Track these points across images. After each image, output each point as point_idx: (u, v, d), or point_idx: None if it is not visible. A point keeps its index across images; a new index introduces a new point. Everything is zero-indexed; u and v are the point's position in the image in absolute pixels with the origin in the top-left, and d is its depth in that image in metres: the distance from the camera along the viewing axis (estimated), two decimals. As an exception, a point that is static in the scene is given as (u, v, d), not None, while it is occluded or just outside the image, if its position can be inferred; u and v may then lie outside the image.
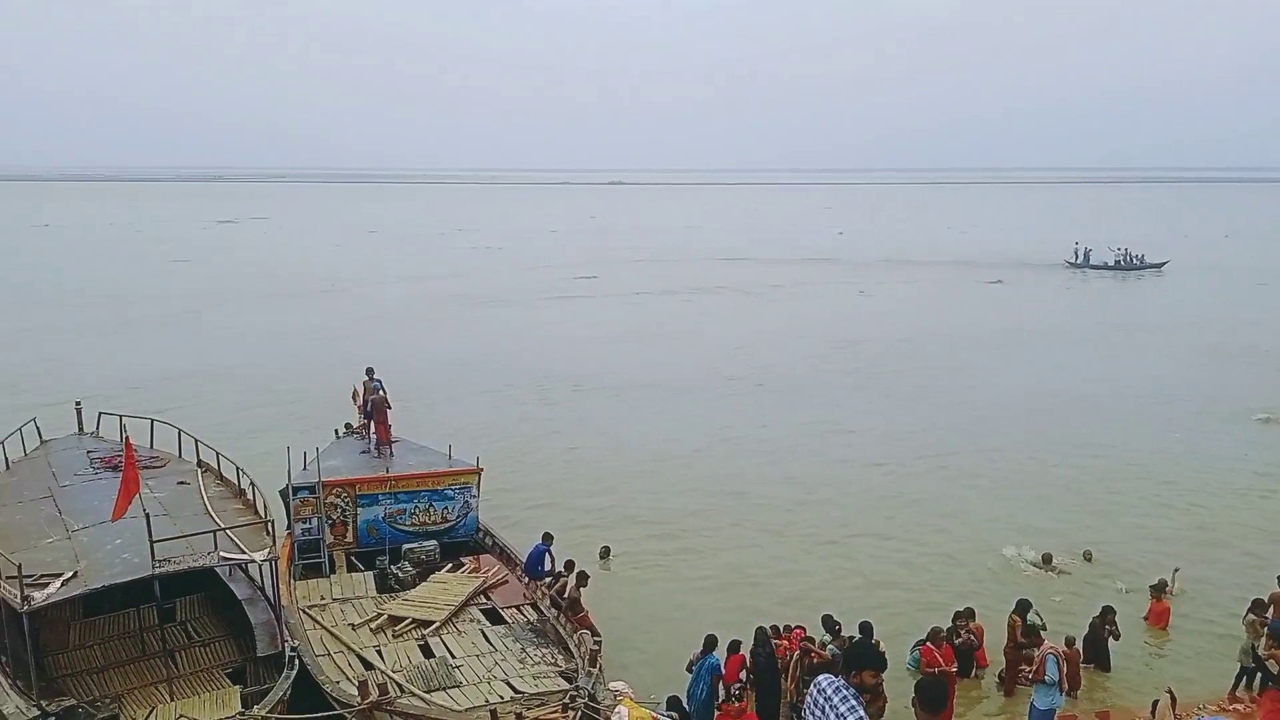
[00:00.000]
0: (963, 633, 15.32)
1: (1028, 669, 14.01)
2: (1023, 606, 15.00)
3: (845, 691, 5.45)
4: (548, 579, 16.54)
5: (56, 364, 37.38)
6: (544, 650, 14.85)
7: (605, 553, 19.59)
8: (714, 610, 17.18)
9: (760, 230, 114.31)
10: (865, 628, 14.26)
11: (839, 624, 14.71)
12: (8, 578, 13.06)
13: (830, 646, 14.18)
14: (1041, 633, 14.44)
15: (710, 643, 13.99)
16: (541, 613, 16.06)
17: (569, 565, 16.49)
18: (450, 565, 17.83)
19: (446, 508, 18.75)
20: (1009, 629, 14.87)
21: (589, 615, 15.36)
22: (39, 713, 12.49)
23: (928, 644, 14.37)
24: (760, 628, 14.27)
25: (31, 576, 13.06)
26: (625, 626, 16.65)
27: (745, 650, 14.24)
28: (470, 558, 18.18)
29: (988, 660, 15.52)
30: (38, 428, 19.81)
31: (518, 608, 16.37)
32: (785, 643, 14.54)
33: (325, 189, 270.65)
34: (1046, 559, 19.31)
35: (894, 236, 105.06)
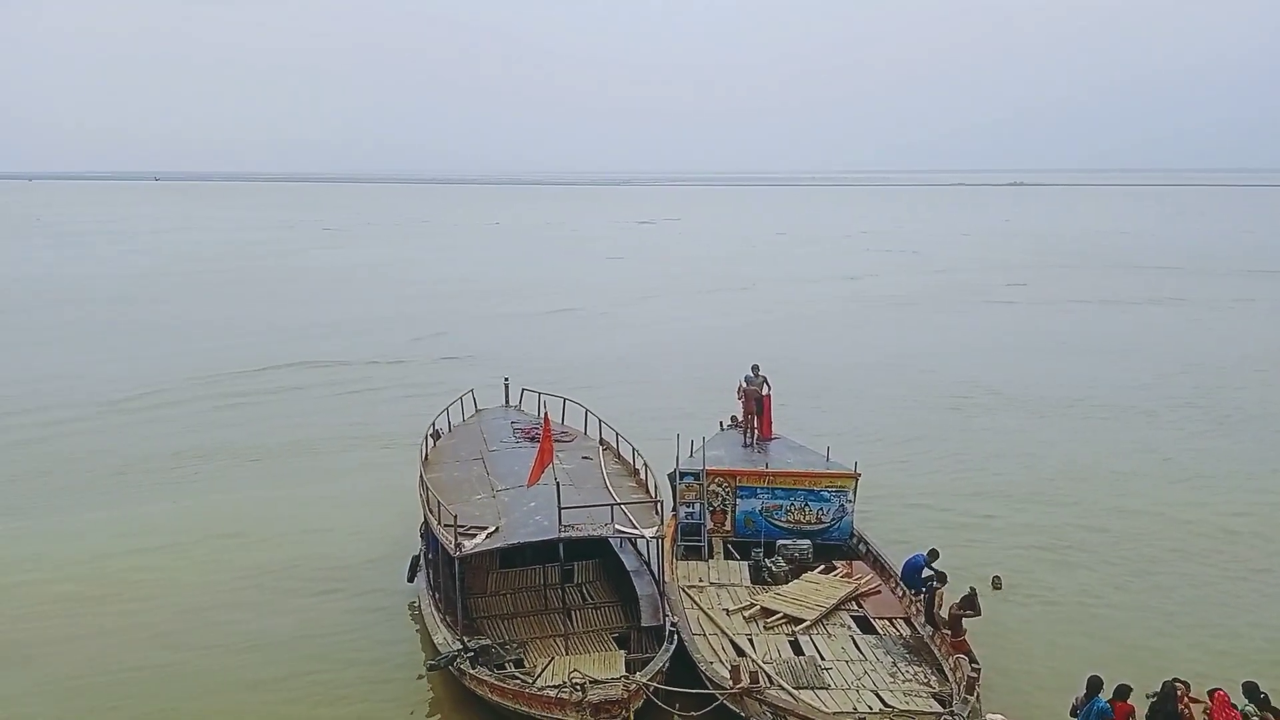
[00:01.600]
0: None
1: None
2: None
3: None
4: (922, 591, 15.84)
5: (503, 344, 41.92)
6: (916, 668, 14.22)
7: (997, 583, 18.06)
8: (1109, 648, 15.49)
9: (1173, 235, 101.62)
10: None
11: (1265, 694, 12.57)
12: (444, 525, 14.87)
13: (1254, 720, 12.16)
14: None
15: (1094, 685, 12.53)
16: (915, 629, 15.41)
17: (941, 577, 15.68)
18: (823, 566, 17.66)
19: (822, 509, 18.61)
20: None
21: (967, 640, 14.44)
22: (461, 646, 14.09)
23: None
24: (1168, 682, 12.57)
25: (463, 527, 14.78)
26: (1006, 654, 15.43)
27: (1134, 699, 12.62)
28: (843, 562, 17.88)
29: None
30: (474, 398, 22.43)
31: (890, 620, 15.84)
32: (1196, 704, 12.70)
33: (730, 192, 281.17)
34: None
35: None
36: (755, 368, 21.66)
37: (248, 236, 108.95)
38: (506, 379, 23.46)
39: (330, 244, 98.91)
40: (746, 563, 17.98)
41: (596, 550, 17.47)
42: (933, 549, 16.60)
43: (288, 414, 30.92)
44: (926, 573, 16.16)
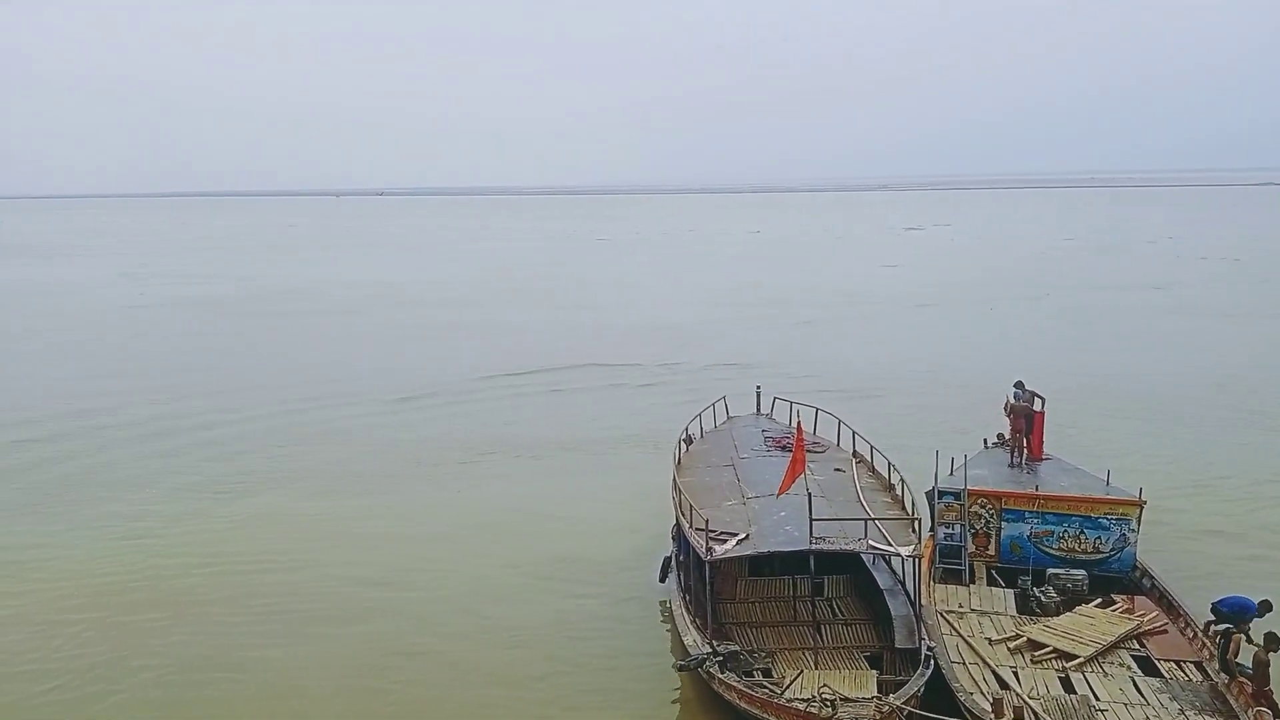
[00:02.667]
0: None
1: None
2: None
3: None
4: (1216, 634, 13.97)
5: (760, 348, 41.98)
6: (1208, 718, 12.58)
7: None
8: None
9: None
10: None
11: None
12: (696, 529, 14.93)
13: None
14: None
15: None
16: (1209, 675, 13.66)
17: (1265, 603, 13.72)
18: (1099, 600, 16.06)
19: (1100, 538, 16.95)
20: None
21: (1272, 691, 12.58)
22: (710, 650, 14.05)
23: None
24: None
25: (714, 532, 14.75)
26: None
27: None
28: (1123, 596, 16.20)
29: None
30: (726, 405, 22.43)
31: (1178, 663, 14.14)
32: None
33: (998, 195, 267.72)
34: None
35: None
36: (1019, 383, 20.18)
37: (537, 245, 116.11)
38: (759, 387, 23.33)
39: (607, 253, 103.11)
40: (1012, 590, 16.70)
41: (848, 566, 16.92)
42: (1265, 600, 14.43)
43: (569, 412, 32.44)
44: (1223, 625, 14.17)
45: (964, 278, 69.26)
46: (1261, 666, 12.69)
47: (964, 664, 14.10)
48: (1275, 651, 12.83)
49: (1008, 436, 20.29)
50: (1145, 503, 16.91)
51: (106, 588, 18.61)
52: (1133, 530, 16.83)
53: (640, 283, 71.69)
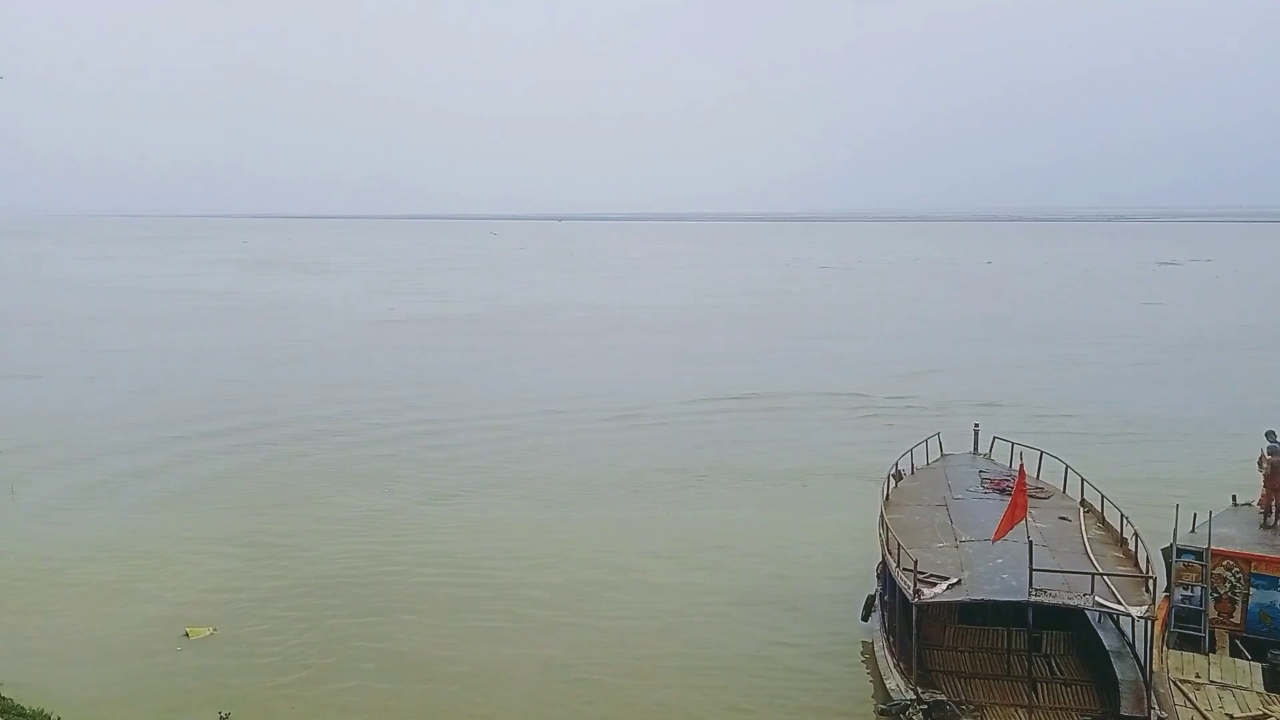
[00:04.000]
0: None
1: None
2: None
3: None
4: None
5: (997, 387, 40.12)
6: None
7: None
8: None
9: None
10: None
11: None
12: (904, 569, 14.23)
13: None
14: None
15: None
16: None
17: None
18: (1371, 687, 13.96)
19: (1372, 615, 14.76)
20: None
21: None
22: (915, 697, 13.33)
23: None
24: None
25: (923, 574, 14.03)
26: None
27: None
28: (1402, 685, 13.98)
29: None
30: (940, 442, 21.34)
31: None
32: None
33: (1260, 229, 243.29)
34: None
35: None
36: (1271, 434, 17.91)
37: (762, 272, 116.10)
38: (977, 425, 21.99)
39: (831, 282, 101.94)
40: (1260, 665, 14.78)
41: (1070, 621, 15.59)
42: None
43: (784, 439, 32.08)
44: None
45: (1244, 319, 62.88)
46: None
47: None
48: None
49: (1259, 497, 18.06)
50: None
51: (336, 574, 20.09)
52: None
53: (874, 313, 70.30)
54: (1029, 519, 14.89)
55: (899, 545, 14.93)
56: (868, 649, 16.51)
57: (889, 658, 15.02)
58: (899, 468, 19.96)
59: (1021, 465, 16.62)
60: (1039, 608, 13.71)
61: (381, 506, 24.51)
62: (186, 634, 17.17)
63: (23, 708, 13.86)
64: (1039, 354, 49.39)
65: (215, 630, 17.33)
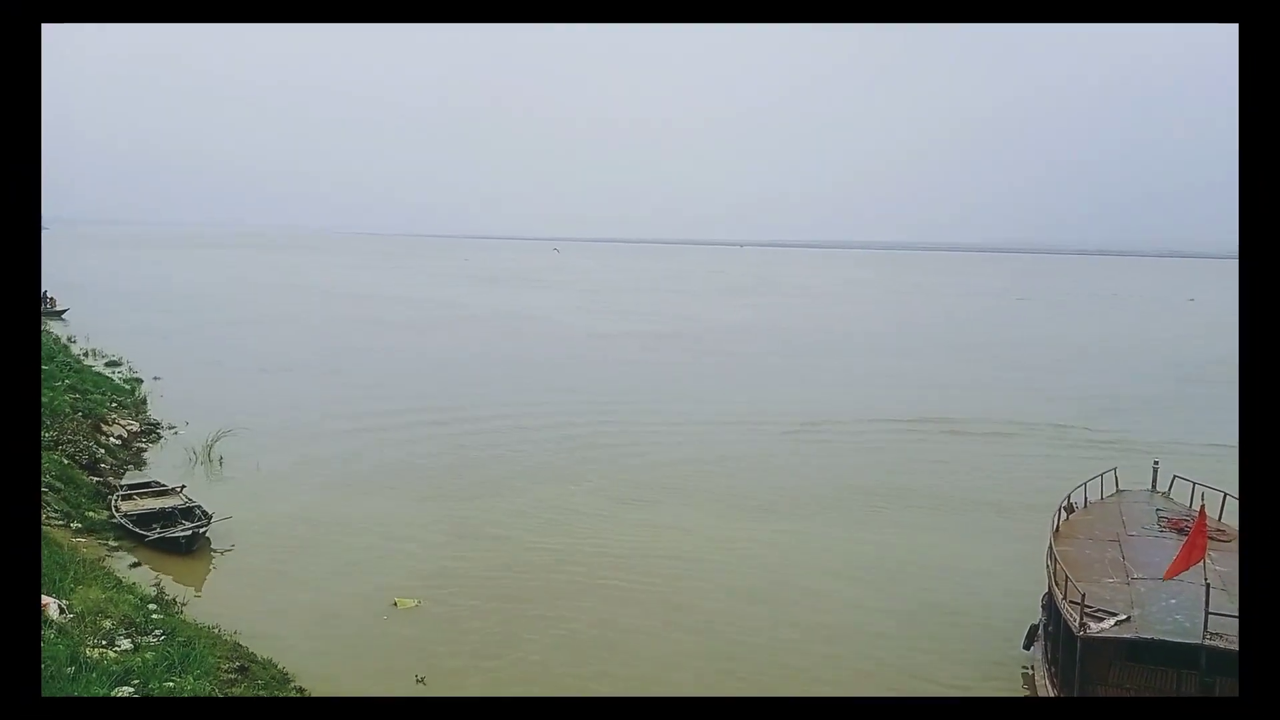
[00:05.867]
0: None
1: None
2: None
3: None
4: None
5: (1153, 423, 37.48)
6: None
7: None
8: None
9: None
10: None
11: None
12: (1070, 602, 13.62)
13: None
14: None
15: None
16: None
17: None
18: None
19: None
20: None
21: None
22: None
23: None
24: None
25: (1090, 608, 13.37)
26: None
27: None
28: None
29: None
30: (1116, 477, 20.12)
31: None
32: None
33: None
34: None
35: None
36: None
37: (974, 304, 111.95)
38: (1156, 462, 20.47)
39: (1034, 315, 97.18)
40: None
41: None
42: None
43: (970, 466, 30.99)
44: None
45: None
46: None
47: None
48: None
49: None
50: None
51: (528, 562, 21.26)
52: None
53: (1075, 344, 66.78)
54: (1207, 560, 13.80)
55: (1067, 577, 14.27)
56: (1028, 677, 15.94)
57: (1050, 689, 14.36)
58: (1071, 500, 18.92)
59: (1203, 505, 15.37)
60: (1212, 652, 12.70)
61: (575, 505, 25.65)
62: (395, 604, 18.66)
63: (254, 655, 15.54)
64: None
65: (420, 603, 18.71)
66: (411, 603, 18.68)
